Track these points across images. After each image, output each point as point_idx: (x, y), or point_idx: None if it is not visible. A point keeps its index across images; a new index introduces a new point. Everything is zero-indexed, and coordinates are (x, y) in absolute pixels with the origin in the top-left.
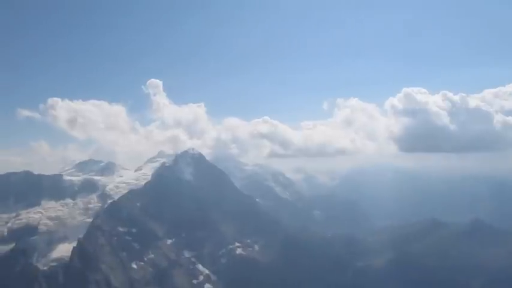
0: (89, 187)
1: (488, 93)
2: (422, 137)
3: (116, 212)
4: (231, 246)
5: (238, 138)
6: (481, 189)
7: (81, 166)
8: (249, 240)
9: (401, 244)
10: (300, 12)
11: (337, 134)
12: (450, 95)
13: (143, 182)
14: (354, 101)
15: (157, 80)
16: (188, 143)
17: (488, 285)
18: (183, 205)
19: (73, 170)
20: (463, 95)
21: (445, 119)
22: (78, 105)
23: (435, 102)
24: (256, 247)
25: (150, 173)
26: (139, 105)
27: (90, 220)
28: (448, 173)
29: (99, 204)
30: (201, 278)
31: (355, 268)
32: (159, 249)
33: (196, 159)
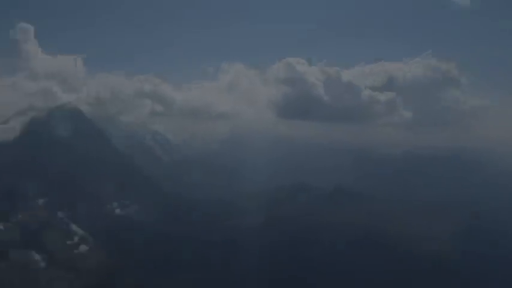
0: None
1: (358, 70)
2: (298, 105)
3: None
4: (108, 206)
5: (119, 95)
6: (345, 158)
7: None
8: (127, 201)
9: (272, 206)
10: None
11: (220, 97)
12: (326, 68)
13: (10, 136)
14: (239, 66)
15: (28, 25)
16: (63, 97)
17: (348, 244)
18: (56, 163)
19: None
20: (337, 69)
21: (320, 90)
22: None
23: (313, 74)
24: (135, 207)
25: (19, 127)
26: (3, 52)
27: None
28: (319, 141)
29: None
30: (76, 239)
31: (227, 227)
32: (29, 210)
33: (72, 114)
